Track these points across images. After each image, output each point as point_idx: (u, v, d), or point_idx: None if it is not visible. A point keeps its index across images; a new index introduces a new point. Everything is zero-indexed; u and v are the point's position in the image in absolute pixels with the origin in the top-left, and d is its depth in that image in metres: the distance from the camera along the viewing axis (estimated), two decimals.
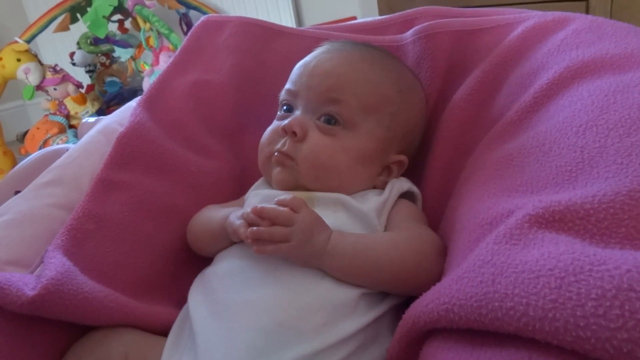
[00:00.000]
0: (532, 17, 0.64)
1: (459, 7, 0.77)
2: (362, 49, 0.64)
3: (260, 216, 0.49)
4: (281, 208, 0.49)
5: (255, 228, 0.48)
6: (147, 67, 1.93)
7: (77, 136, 1.84)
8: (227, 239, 0.56)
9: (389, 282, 0.50)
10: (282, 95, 0.63)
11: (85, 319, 0.49)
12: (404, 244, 0.51)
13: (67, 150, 0.69)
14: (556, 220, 0.37)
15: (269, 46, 0.82)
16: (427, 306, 0.39)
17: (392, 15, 0.81)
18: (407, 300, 0.51)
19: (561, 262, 0.32)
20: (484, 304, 0.33)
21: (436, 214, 0.60)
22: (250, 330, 0.45)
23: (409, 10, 0.79)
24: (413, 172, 0.65)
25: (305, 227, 0.48)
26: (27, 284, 0.46)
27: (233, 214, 0.54)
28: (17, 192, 0.62)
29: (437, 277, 0.47)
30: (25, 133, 1.97)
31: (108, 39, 1.99)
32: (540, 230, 0.36)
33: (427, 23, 0.71)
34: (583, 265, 0.30)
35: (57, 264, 0.49)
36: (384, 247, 0.51)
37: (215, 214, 0.60)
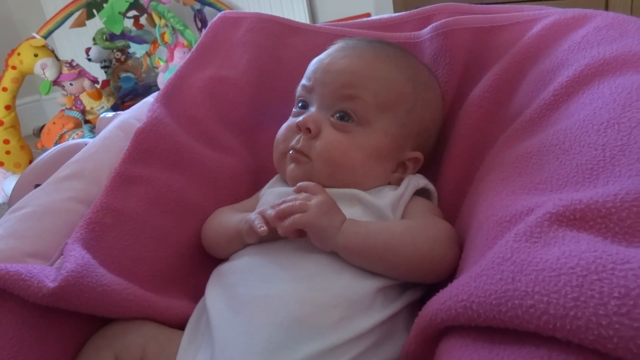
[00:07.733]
0: (552, 14, 0.64)
1: (476, 4, 0.76)
2: (377, 46, 0.64)
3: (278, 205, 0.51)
4: (297, 195, 0.52)
5: (274, 211, 0.50)
6: (161, 63, 1.94)
7: (92, 131, 1.86)
8: (241, 242, 0.56)
9: (403, 267, 0.50)
10: (298, 90, 0.64)
11: (104, 311, 0.49)
12: (418, 229, 0.51)
13: (86, 145, 0.70)
14: (577, 219, 0.36)
15: (285, 42, 0.82)
16: (444, 303, 0.38)
17: (409, 11, 0.80)
18: (423, 298, 0.51)
19: (583, 260, 0.31)
20: (503, 302, 0.33)
21: (452, 211, 0.59)
22: (267, 325, 0.46)
23: (427, 7, 0.78)
24: (429, 169, 0.65)
25: (321, 203, 0.50)
26: (47, 275, 0.46)
27: (247, 216, 0.55)
28: (37, 186, 0.63)
29: (453, 264, 0.49)
30: (42, 128, 1.99)
31: (123, 35, 2.00)
32: (561, 228, 0.36)
33: (444, 20, 0.70)
34: (605, 263, 0.30)
35: (76, 256, 0.49)
36: (397, 230, 0.51)
37: (229, 219, 0.60)
